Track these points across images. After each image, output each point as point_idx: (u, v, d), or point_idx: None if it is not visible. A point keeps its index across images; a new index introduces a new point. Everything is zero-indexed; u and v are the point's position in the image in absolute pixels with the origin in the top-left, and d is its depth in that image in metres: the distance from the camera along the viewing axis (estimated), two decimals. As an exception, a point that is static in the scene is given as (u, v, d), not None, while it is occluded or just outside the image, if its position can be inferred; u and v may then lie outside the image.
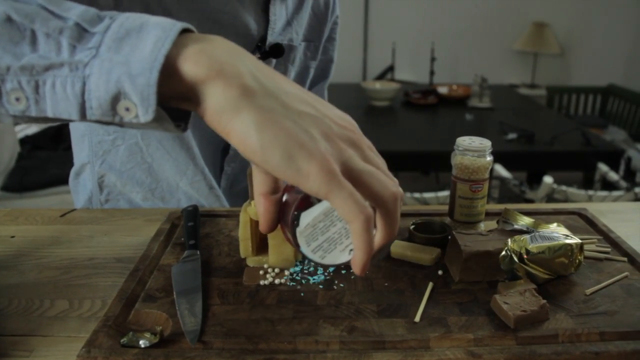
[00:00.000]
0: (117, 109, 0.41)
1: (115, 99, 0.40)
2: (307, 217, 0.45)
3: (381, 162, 0.44)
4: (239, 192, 1.01)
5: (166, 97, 0.41)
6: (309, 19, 0.92)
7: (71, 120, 0.43)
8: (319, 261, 0.46)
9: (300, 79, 0.96)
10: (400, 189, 0.44)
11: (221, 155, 0.96)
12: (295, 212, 0.45)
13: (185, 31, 0.42)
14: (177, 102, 0.42)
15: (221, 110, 0.40)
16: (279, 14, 0.83)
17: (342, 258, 0.46)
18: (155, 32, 0.40)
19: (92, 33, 0.41)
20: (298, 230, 0.45)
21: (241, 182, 0.99)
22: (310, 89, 1.04)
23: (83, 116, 0.42)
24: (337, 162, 0.40)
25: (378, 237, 0.45)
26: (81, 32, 0.41)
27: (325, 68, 1.04)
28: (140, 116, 0.41)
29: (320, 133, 0.40)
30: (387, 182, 0.42)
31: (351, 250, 0.46)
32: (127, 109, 0.41)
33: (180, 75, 0.40)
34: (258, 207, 0.48)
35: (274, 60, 0.87)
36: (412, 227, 0.75)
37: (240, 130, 0.39)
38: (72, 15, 0.42)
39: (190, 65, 0.40)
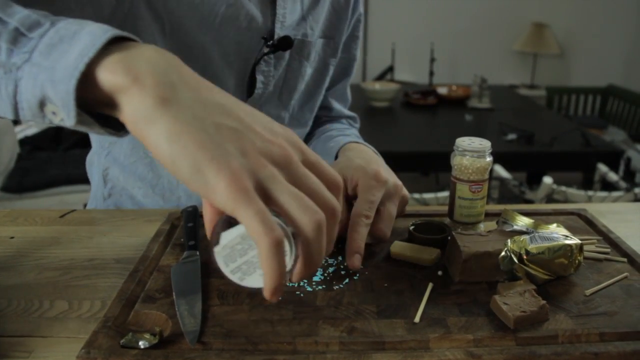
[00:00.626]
0: (45, 112, 0.43)
1: (42, 103, 0.43)
2: (226, 238, 0.42)
3: (316, 182, 0.41)
4: None
5: (91, 103, 0.42)
6: (328, 14, 0.90)
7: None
8: (239, 283, 0.44)
9: (319, 76, 0.95)
10: (330, 214, 0.41)
11: None
12: (217, 231, 0.43)
13: (123, 39, 0.43)
14: (102, 109, 0.43)
15: (136, 119, 0.40)
16: (290, 8, 0.83)
17: (262, 282, 0.42)
18: (85, 40, 0.41)
19: (29, 38, 0.43)
20: (216, 249, 0.43)
21: None
22: (331, 87, 1.03)
23: (17, 116, 0.44)
24: (250, 178, 0.38)
25: (298, 266, 0.42)
26: (18, 36, 0.43)
27: (346, 66, 1.03)
28: (65, 120, 0.42)
29: (237, 147, 0.39)
30: (309, 207, 0.39)
31: None
32: (54, 113, 0.43)
33: (99, 83, 0.41)
34: (204, 216, 0.46)
35: (287, 55, 0.86)
36: (412, 227, 0.75)
37: (154, 140, 0.39)
38: (13, 20, 0.43)
39: (108, 74, 0.41)
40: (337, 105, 1.06)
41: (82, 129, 0.44)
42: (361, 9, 0.99)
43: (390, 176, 0.74)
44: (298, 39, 0.86)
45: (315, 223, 0.39)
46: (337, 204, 0.41)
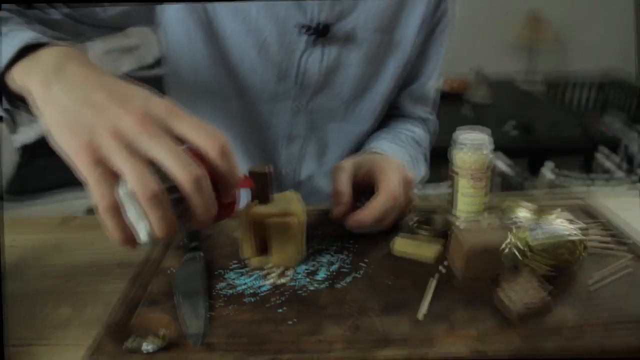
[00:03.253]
0: None
1: None
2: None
3: (165, 151, 0.46)
4: None
5: (16, 93, 0.55)
6: (389, 9, 0.87)
7: None
8: (142, 240, 0.49)
9: (373, 71, 0.91)
10: (150, 190, 0.45)
11: None
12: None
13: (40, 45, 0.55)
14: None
15: (35, 105, 0.51)
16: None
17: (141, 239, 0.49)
18: (5, 51, 0.55)
19: None
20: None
21: None
22: (405, 87, 0.99)
23: None
24: (94, 151, 0.46)
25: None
26: None
27: (421, 67, 0.98)
28: None
29: (88, 125, 0.47)
30: (142, 180, 0.45)
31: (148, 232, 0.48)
32: None
33: (13, 83, 0.54)
34: None
35: (334, 48, 0.86)
36: (414, 223, 0.75)
37: (44, 121, 0.50)
38: None
39: (16, 76, 0.54)
40: (406, 105, 1.02)
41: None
42: (447, 7, 0.93)
43: (406, 193, 0.76)
44: (345, 30, 0.85)
45: (141, 193, 0.45)
46: (185, 170, 0.46)
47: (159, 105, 0.48)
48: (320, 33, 0.83)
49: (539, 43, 4.78)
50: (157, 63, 5.01)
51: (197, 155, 0.48)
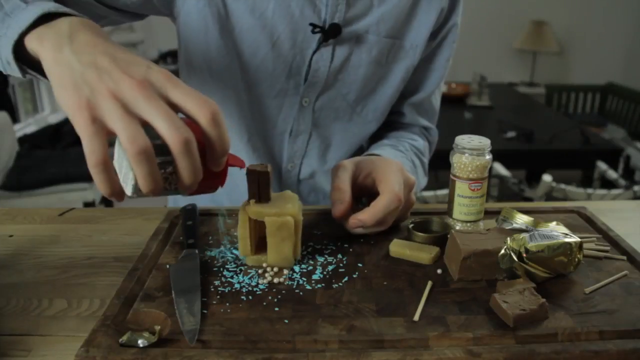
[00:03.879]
0: (7, 66, 0.62)
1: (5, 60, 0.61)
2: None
3: (160, 114, 0.49)
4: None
5: (32, 58, 0.58)
6: (402, 16, 0.89)
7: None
8: (128, 194, 0.52)
9: (381, 75, 0.93)
10: (139, 146, 0.47)
11: None
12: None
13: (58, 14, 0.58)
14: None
15: (44, 69, 0.54)
16: (353, 1, 0.85)
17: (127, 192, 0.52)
18: (24, 16, 0.58)
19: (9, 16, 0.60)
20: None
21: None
22: (409, 95, 1.01)
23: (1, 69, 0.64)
24: (92, 109, 0.49)
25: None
26: (4, 17, 0.60)
27: (426, 77, 1.00)
28: (10, 70, 0.62)
29: (91, 86, 0.49)
30: (132, 135, 0.48)
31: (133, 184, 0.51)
32: (8, 63, 0.61)
33: (27, 48, 0.57)
34: None
35: (346, 48, 0.88)
36: (411, 225, 0.75)
37: (51, 83, 0.53)
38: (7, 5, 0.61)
39: (29, 42, 0.57)
40: (410, 114, 1.03)
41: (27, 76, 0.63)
42: (457, 20, 0.96)
43: (406, 195, 0.77)
44: (357, 32, 0.87)
45: (130, 150, 0.48)
46: (176, 132, 0.48)
47: (159, 73, 0.51)
48: (332, 33, 0.85)
49: (542, 50, 4.79)
50: (162, 57, 5.00)
51: (190, 124, 0.51)
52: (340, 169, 0.76)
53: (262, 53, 0.86)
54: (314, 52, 0.87)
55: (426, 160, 1.06)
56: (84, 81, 0.50)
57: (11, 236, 0.80)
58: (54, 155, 3.41)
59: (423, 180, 1.06)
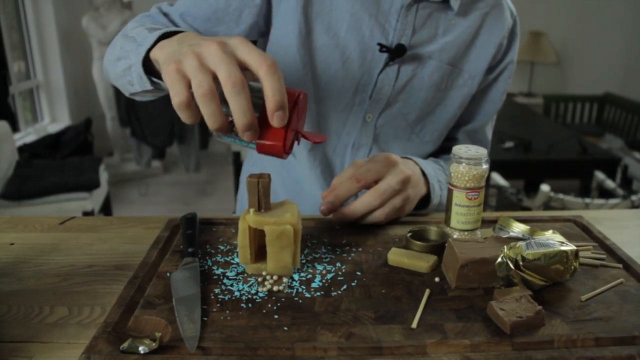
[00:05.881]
0: (139, 81, 0.75)
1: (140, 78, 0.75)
2: None
3: (226, 65, 0.57)
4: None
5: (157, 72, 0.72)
6: (463, 45, 0.96)
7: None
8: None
9: (439, 98, 0.98)
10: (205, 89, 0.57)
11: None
12: None
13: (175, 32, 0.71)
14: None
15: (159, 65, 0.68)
16: (420, 25, 0.93)
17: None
18: (149, 39, 0.72)
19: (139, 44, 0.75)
20: None
21: None
22: (465, 123, 1.06)
23: (138, 87, 0.77)
24: (180, 66, 0.58)
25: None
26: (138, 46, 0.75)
27: (480, 107, 1.05)
28: (141, 85, 0.76)
29: (182, 54, 0.59)
30: (200, 81, 0.57)
31: None
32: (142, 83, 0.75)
33: (152, 59, 0.70)
34: None
35: (410, 70, 0.94)
36: (409, 234, 0.76)
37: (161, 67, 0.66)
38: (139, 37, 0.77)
39: (153, 54, 0.70)
40: (464, 141, 1.08)
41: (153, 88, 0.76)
42: (513, 57, 1.02)
43: (405, 167, 0.84)
44: (421, 56, 0.94)
45: (200, 92, 0.57)
46: (230, 73, 0.57)
47: (235, 38, 0.60)
48: (397, 53, 0.91)
49: (540, 61, 4.82)
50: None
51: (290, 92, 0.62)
52: (350, 165, 0.85)
53: (333, 69, 0.93)
54: (381, 71, 0.93)
55: None
56: (178, 53, 0.60)
57: (12, 244, 0.80)
58: (53, 164, 3.41)
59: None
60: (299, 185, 1.05)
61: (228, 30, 0.92)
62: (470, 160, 0.73)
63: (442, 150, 1.08)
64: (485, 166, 0.74)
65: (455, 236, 0.76)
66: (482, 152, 0.74)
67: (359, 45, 0.92)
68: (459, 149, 0.75)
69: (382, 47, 0.91)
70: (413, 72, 0.95)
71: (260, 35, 0.98)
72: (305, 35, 0.92)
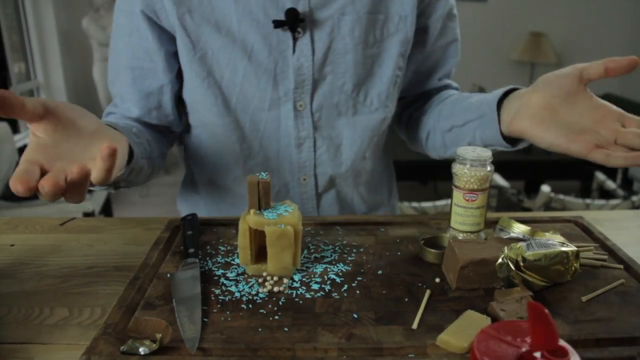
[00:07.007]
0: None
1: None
2: None
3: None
4: None
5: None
6: None
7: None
8: None
9: (375, 54, 0.88)
10: None
11: None
12: None
13: None
14: None
15: None
16: None
17: None
18: None
19: None
20: None
21: None
22: (430, 75, 0.99)
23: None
24: None
25: None
26: None
27: (445, 50, 0.97)
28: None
29: None
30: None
31: None
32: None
33: None
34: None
35: (322, 37, 0.84)
36: (422, 242, 0.75)
37: None
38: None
39: None
40: (435, 85, 1.01)
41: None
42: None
43: None
44: (332, 15, 0.83)
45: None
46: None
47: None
48: (293, 20, 0.81)
49: (540, 61, 4.81)
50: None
51: None
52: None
53: (241, 69, 0.84)
54: (294, 51, 0.84)
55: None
56: None
57: (12, 245, 0.80)
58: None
59: None
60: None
61: (160, 82, 0.88)
62: (474, 161, 0.72)
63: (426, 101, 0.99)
64: (489, 168, 0.73)
65: (460, 237, 0.76)
66: (486, 154, 0.73)
67: (258, 32, 0.82)
68: (463, 151, 0.74)
69: (276, 23, 0.81)
70: (330, 37, 0.84)
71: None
72: (193, 46, 0.83)
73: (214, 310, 0.61)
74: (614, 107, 0.69)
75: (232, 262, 0.73)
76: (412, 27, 0.89)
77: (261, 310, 0.61)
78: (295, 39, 0.83)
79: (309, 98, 0.87)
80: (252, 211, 0.68)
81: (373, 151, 0.98)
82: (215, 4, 0.81)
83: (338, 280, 0.68)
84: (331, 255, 0.74)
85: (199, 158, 0.98)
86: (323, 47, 0.85)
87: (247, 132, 0.90)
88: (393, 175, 1.12)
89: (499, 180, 2.46)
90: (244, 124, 0.89)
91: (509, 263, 0.63)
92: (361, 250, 0.76)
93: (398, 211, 1.15)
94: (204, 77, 0.85)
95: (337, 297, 0.64)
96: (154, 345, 0.53)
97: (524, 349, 0.42)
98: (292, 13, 0.81)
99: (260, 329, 0.57)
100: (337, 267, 0.71)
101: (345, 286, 0.66)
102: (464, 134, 0.87)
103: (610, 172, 2.79)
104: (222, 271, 0.70)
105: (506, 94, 0.81)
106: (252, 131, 0.90)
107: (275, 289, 0.65)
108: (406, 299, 0.63)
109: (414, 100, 1.03)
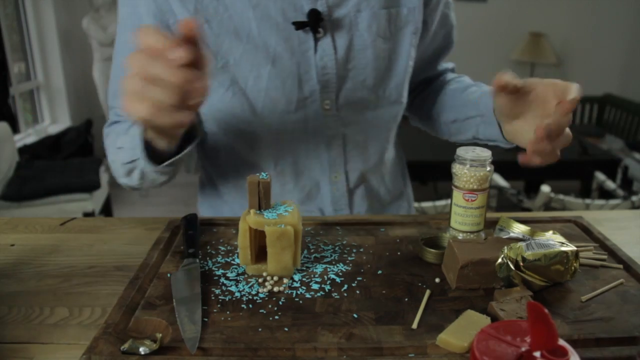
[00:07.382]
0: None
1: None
2: None
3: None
4: None
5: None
6: None
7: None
8: None
9: (392, 49, 0.90)
10: None
11: None
12: None
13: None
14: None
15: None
16: None
17: None
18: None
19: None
20: None
21: None
22: (435, 60, 1.03)
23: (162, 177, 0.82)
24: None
25: None
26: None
27: (445, 37, 1.00)
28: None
29: None
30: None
31: None
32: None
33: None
34: None
35: (342, 35, 0.85)
36: (422, 241, 0.75)
37: None
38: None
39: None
40: (439, 66, 1.05)
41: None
42: None
43: None
44: (349, 12, 0.84)
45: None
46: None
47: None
48: (315, 20, 0.82)
49: (540, 61, 4.81)
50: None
51: None
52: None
53: (265, 73, 0.84)
54: (315, 51, 0.84)
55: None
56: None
57: (13, 245, 0.81)
58: (53, 165, 3.41)
59: None
60: None
61: None
62: (473, 162, 0.72)
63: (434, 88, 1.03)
64: (488, 168, 0.73)
65: (459, 237, 0.76)
66: (485, 154, 0.73)
67: (279, 36, 0.83)
68: (463, 151, 0.74)
69: (297, 24, 0.82)
70: (350, 35, 0.86)
71: None
72: (214, 55, 0.83)
73: (214, 310, 0.61)
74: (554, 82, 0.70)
75: (232, 262, 0.73)
76: (420, 18, 0.91)
77: (261, 310, 0.61)
78: (316, 40, 0.84)
79: (334, 96, 0.88)
80: (252, 211, 0.68)
81: (393, 140, 1.02)
82: (232, 12, 0.81)
83: (338, 280, 0.68)
84: (331, 255, 0.74)
85: (219, 164, 0.98)
86: (344, 44, 0.86)
87: (275, 135, 0.90)
88: (403, 158, 1.14)
89: (499, 180, 2.46)
90: (272, 128, 0.89)
91: (509, 263, 0.63)
92: (361, 250, 0.76)
93: (412, 199, 1.16)
94: (228, 85, 0.85)
95: (337, 297, 0.64)
96: (154, 345, 0.54)
97: (523, 349, 0.42)
98: (314, 14, 0.82)
99: (260, 329, 0.57)
100: (337, 267, 0.71)
101: (345, 286, 0.66)
102: (466, 127, 0.92)
103: (610, 173, 2.79)
104: (222, 271, 0.70)
105: None
106: (281, 134, 0.90)
107: (275, 289, 0.65)
108: (406, 299, 0.63)
109: (414, 87, 1.06)
